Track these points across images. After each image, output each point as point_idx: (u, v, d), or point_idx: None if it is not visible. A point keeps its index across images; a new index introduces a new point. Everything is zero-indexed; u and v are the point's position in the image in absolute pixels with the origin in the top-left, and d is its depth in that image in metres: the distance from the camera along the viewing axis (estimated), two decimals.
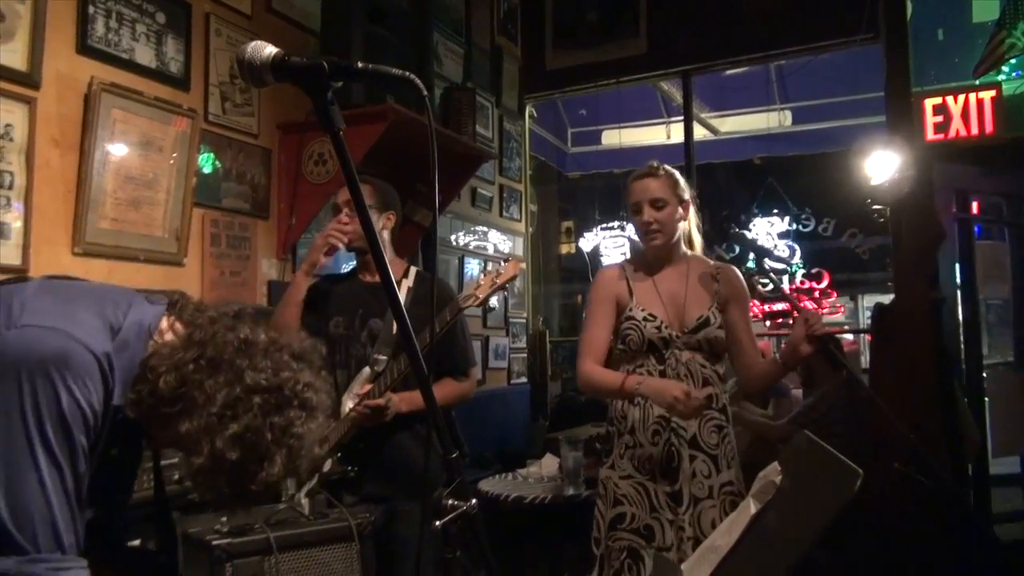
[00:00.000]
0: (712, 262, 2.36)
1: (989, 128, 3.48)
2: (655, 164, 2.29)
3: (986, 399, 3.88)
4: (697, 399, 1.99)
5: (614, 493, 2.16)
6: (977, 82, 3.74)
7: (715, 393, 2.17)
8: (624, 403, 2.19)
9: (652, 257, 2.30)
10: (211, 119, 2.95)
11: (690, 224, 2.34)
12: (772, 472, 1.34)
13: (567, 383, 6.68)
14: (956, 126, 3.51)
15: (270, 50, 0.98)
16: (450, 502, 1.00)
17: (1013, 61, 4.12)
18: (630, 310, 2.21)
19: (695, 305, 2.22)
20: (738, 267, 2.40)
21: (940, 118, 3.53)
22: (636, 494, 2.13)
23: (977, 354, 3.84)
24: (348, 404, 2.37)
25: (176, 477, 2.18)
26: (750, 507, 1.35)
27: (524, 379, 5.12)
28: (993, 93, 3.53)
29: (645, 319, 2.18)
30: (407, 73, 0.90)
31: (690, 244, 2.35)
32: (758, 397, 4.24)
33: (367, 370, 2.39)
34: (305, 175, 3.27)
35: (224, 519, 1.75)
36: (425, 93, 0.95)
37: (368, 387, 2.33)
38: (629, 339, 2.20)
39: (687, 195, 2.28)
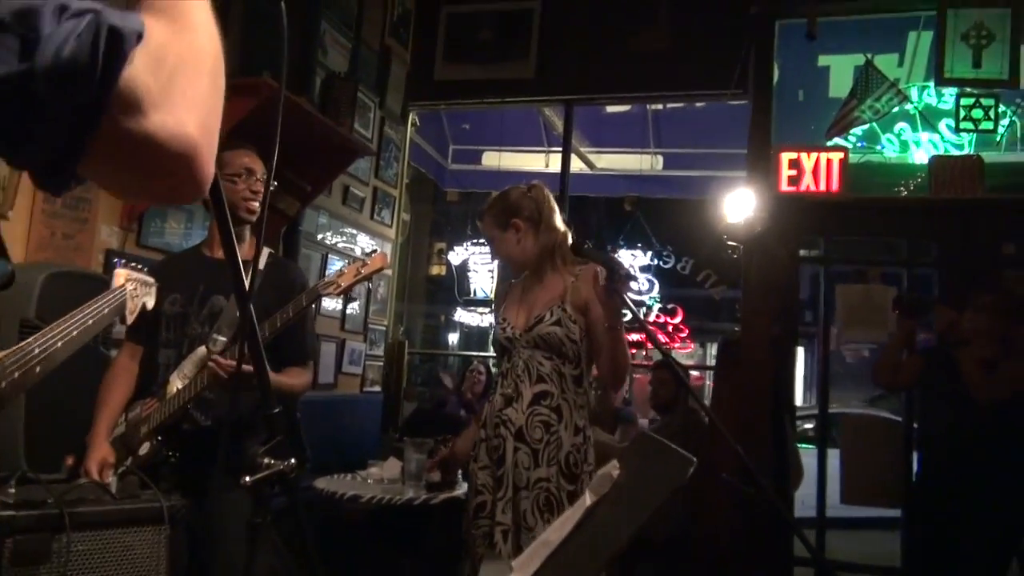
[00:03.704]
0: (580, 265, 2.35)
1: (835, 186, 3.76)
2: (485, 204, 2.43)
3: (838, 446, 3.92)
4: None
5: (475, 483, 2.28)
6: (828, 145, 4.04)
7: (548, 391, 2.21)
8: (486, 401, 2.38)
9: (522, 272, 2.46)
10: None
11: (547, 231, 2.34)
12: (611, 467, 1.34)
13: (422, 402, 6.58)
14: (807, 181, 3.76)
15: None
16: (266, 460, 0.91)
17: (859, 132, 4.52)
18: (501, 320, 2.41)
19: (541, 304, 2.31)
20: None
21: (794, 172, 3.78)
22: (491, 482, 2.24)
23: (824, 396, 4.00)
24: (176, 385, 2.19)
25: None
26: (586, 501, 1.34)
27: (378, 388, 4.98)
28: (841, 155, 3.82)
29: (499, 323, 2.38)
30: None
31: (552, 250, 2.34)
32: (607, 423, 4.33)
33: (202, 350, 2.21)
34: None
35: (12, 490, 1.55)
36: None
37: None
38: (494, 343, 2.43)
39: (521, 214, 2.33)
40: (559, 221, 2.37)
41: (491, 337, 2.49)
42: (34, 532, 1.51)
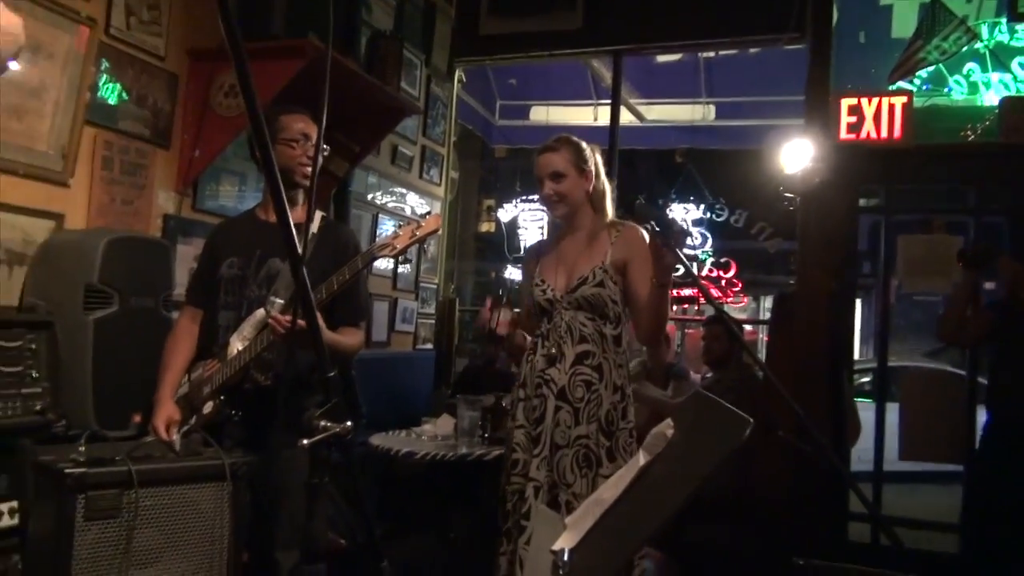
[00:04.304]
0: (620, 224, 2.39)
1: (898, 133, 3.60)
2: (558, 137, 2.40)
3: (896, 401, 3.83)
4: None
5: (511, 442, 2.30)
6: (891, 88, 3.87)
7: (590, 351, 2.25)
8: (523, 361, 2.35)
9: (562, 226, 2.44)
10: (113, 33, 2.74)
11: (599, 191, 2.39)
12: (664, 427, 1.32)
13: (474, 358, 6.63)
14: (868, 128, 3.61)
15: None
16: (322, 423, 0.93)
17: (924, 75, 4.30)
18: (534, 280, 2.39)
19: (584, 266, 2.32)
20: None
21: (854, 118, 3.62)
22: (525, 442, 2.26)
23: (883, 349, 3.91)
24: (236, 346, 2.23)
25: (37, 407, 2.03)
26: (639, 460, 1.33)
27: (430, 345, 5.04)
28: (904, 99, 3.65)
29: (536, 285, 2.36)
30: None
31: (598, 208, 2.39)
32: (659, 378, 4.31)
33: (261, 312, 2.25)
34: (213, 107, 3.09)
35: (83, 448, 1.61)
36: None
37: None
38: (530, 303, 2.41)
39: (589, 164, 2.36)
40: (609, 191, 2.44)
41: (530, 301, 2.41)
42: (105, 488, 1.58)
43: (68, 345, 2.24)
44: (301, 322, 2.03)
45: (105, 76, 2.73)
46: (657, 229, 1.98)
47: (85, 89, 2.63)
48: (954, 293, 3.03)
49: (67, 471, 1.56)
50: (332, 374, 0.96)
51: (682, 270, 2.07)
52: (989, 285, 3.52)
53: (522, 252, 9.15)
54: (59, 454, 1.65)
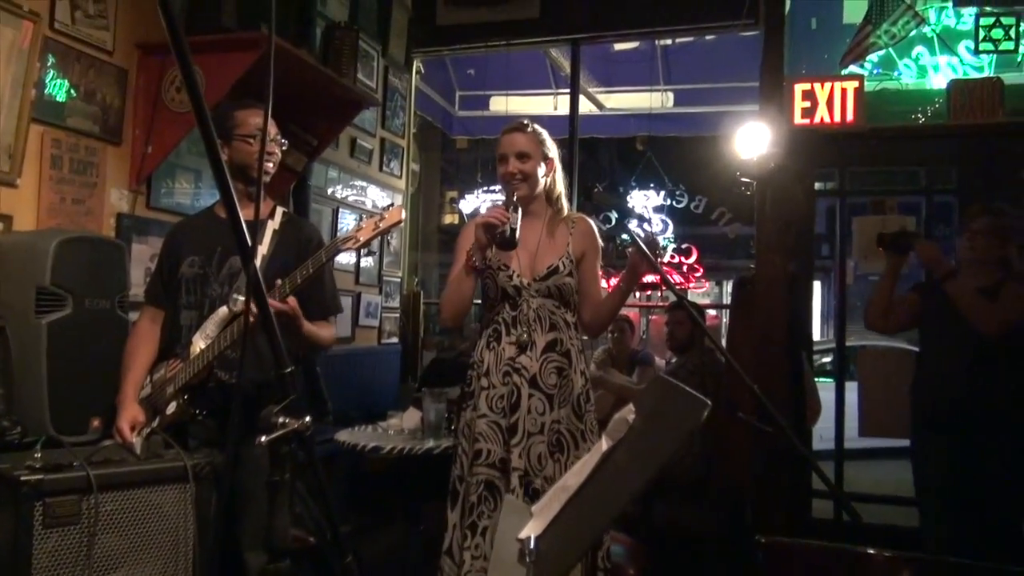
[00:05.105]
0: (573, 216, 2.46)
1: (851, 117, 3.66)
2: (525, 121, 2.43)
3: (856, 380, 3.93)
4: None
5: (473, 432, 2.27)
6: (843, 73, 3.93)
7: (559, 338, 2.29)
8: (482, 349, 2.33)
9: None
10: (57, 27, 2.66)
11: (554, 182, 2.43)
12: (626, 412, 1.34)
13: (441, 351, 6.62)
14: (821, 113, 3.66)
15: None
16: (280, 420, 0.92)
17: (875, 59, 4.39)
18: (488, 262, 2.33)
19: (548, 254, 2.35)
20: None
21: (808, 103, 3.67)
22: (491, 431, 2.24)
23: (842, 330, 4.01)
24: (199, 345, 2.20)
25: None
26: (602, 446, 1.34)
27: (395, 339, 5.01)
28: (856, 84, 3.71)
29: (499, 269, 2.33)
30: None
31: (554, 201, 2.43)
32: (624, 365, 4.35)
33: (224, 310, 2.22)
34: (165, 102, 3.03)
35: (38, 455, 1.57)
36: None
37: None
38: (487, 288, 2.37)
39: (552, 153, 2.41)
40: (563, 187, 2.49)
41: (487, 283, 2.38)
42: (63, 495, 1.54)
43: (21, 349, 2.19)
44: (279, 304, 2.03)
45: (51, 72, 2.66)
46: (640, 237, 2.01)
47: (30, 86, 2.56)
48: (880, 281, 3.00)
49: (23, 478, 1.52)
50: (289, 370, 0.95)
51: (656, 277, 2.10)
52: None
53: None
54: (15, 461, 1.61)
